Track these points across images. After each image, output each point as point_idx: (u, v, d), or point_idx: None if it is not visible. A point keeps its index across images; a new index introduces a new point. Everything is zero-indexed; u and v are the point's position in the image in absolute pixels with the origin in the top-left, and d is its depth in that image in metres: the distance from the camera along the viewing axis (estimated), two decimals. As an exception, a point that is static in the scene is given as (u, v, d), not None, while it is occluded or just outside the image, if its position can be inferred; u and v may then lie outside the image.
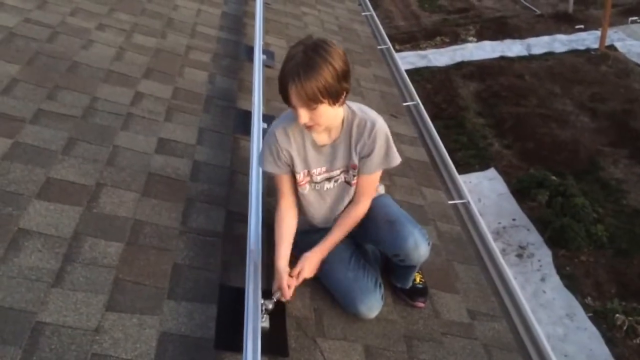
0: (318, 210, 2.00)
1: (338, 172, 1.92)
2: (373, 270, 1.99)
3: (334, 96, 1.69)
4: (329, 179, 1.93)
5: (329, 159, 1.89)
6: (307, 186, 1.94)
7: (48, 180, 2.02)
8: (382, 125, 1.85)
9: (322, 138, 1.87)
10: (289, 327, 1.80)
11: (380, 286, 1.96)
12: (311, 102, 1.66)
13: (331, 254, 1.96)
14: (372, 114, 1.87)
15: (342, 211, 1.99)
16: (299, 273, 1.85)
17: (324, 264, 1.96)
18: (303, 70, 1.62)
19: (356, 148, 1.86)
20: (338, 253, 1.97)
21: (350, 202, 1.99)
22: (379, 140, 1.84)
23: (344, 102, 1.79)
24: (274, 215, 1.96)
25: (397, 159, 1.90)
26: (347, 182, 1.95)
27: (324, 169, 1.91)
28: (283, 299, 1.82)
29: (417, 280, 2.12)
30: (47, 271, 1.68)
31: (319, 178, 1.92)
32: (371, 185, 1.96)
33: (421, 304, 2.08)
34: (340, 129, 1.85)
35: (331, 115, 1.76)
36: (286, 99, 1.70)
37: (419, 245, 1.87)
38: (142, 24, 3.44)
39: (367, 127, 1.83)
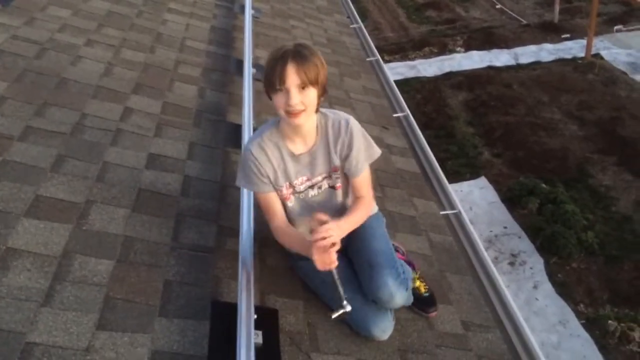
0: (308, 221, 1.98)
1: (320, 178, 1.92)
2: None
3: (322, 87, 1.75)
4: (312, 187, 1.93)
5: (309, 168, 1.90)
6: (292, 197, 1.93)
7: (37, 198, 2.00)
8: (355, 121, 1.89)
9: (299, 147, 1.88)
10: (283, 343, 1.79)
11: None
12: (307, 81, 1.69)
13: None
14: (343, 113, 1.91)
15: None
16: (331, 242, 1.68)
17: None
18: (300, 53, 1.70)
19: (336, 148, 1.87)
20: (346, 275, 1.89)
21: (342, 208, 1.97)
22: (356, 135, 1.87)
23: (319, 109, 1.83)
24: (274, 237, 1.92)
25: (378, 150, 1.93)
26: (332, 187, 1.95)
27: (305, 178, 1.91)
28: (330, 268, 1.71)
29: (422, 290, 2.11)
30: (37, 290, 1.66)
31: (302, 187, 1.92)
32: (366, 184, 1.95)
33: (433, 314, 2.09)
34: (315, 136, 1.87)
35: (315, 103, 1.76)
36: (281, 79, 1.68)
37: (394, 296, 1.84)
38: (131, 39, 3.44)
39: (342, 125, 1.87)
